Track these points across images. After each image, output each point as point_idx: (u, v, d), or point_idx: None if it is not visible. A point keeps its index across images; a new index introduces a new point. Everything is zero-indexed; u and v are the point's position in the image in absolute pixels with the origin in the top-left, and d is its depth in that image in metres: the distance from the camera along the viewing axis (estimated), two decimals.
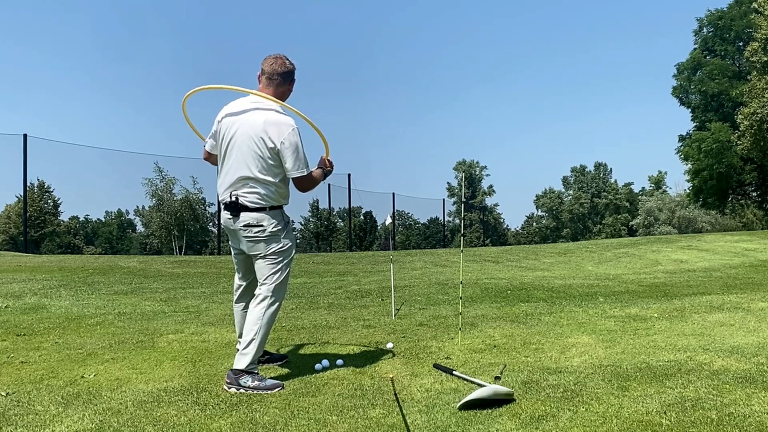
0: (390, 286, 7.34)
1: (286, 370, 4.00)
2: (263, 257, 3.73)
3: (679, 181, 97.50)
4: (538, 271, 11.94)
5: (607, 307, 6.32)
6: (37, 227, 44.50)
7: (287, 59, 3.87)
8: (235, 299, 4.07)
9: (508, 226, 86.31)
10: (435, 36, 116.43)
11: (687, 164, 37.12)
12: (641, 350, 4.25)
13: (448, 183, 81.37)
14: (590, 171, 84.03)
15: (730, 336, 4.68)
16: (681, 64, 38.87)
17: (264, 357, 4.14)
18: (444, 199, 43.30)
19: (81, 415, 3.13)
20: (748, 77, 29.69)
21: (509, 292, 7.95)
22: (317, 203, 37.53)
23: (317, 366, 3.98)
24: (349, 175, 27.52)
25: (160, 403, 3.31)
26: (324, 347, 4.70)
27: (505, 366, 3.89)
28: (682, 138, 39.95)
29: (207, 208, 43.39)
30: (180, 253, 38.50)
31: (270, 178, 3.68)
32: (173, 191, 40.34)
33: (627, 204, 77.70)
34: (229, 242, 3.97)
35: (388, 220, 12.90)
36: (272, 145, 3.63)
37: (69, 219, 59.43)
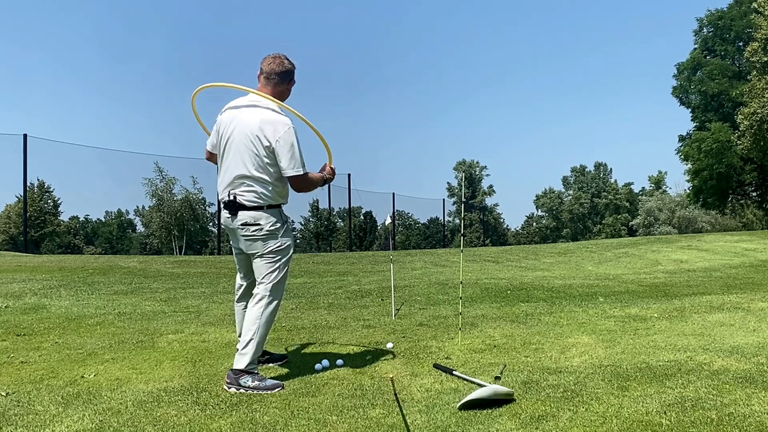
0: (390, 286, 7.34)
1: (286, 370, 4.00)
2: (261, 256, 3.73)
3: (679, 181, 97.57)
4: (538, 271, 11.94)
5: (607, 307, 6.32)
6: (37, 227, 44.50)
7: (286, 58, 3.86)
8: (236, 299, 4.07)
9: (508, 226, 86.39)
10: (436, 38, 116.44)
11: (687, 164, 37.12)
12: (641, 350, 4.25)
13: (448, 183, 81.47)
14: (590, 171, 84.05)
15: (730, 336, 4.68)
16: (681, 64, 38.88)
17: (264, 357, 4.14)
18: (444, 199, 43.32)
19: (81, 415, 3.13)
20: (748, 77, 29.69)
21: (509, 292, 7.95)
22: (317, 203, 37.56)
23: (317, 366, 3.98)
24: (349, 175, 27.53)
25: (160, 403, 3.31)
26: (324, 347, 4.70)
27: (505, 366, 3.89)
28: (682, 138, 39.97)
29: (207, 208, 43.42)
30: (180, 253, 38.50)
31: (266, 177, 3.68)
32: (173, 191, 40.37)
33: (627, 204, 77.71)
34: (230, 242, 3.97)
35: (388, 220, 12.89)
36: (267, 144, 3.63)
37: (69, 219, 59.48)
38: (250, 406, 3.24)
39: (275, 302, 3.74)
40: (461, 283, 5.70)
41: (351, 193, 27.84)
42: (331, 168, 4.01)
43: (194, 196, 41.32)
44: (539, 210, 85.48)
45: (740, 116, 28.17)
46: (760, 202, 39.83)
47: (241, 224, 3.70)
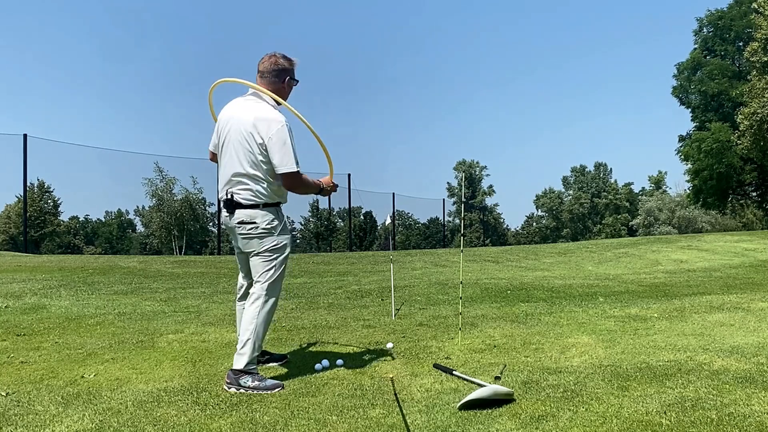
0: (390, 286, 7.34)
1: (286, 370, 4.00)
2: (257, 254, 3.73)
3: (679, 181, 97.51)
4: (538, 271, 11.94)
5: (607, 307, 6.32)
6: (37, 227, 44.51)
7: (282, 57, 3.84)
8: (237, 298, 4.08)
9: (508, 226, 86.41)
10: (436, 39, 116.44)
11: (687, 164, 37.12)
12: (641, 350, 4.25)
13: (448, 183, 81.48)
14: (590, 171, 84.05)
15: (730, 336, 4.68)
16: (681, 64, 38.88)
17: (264, 357, 4.14)
18: (444, 199, 43.32)
19: (81, 415, 3.13)
20: (748, 77, 29.67)
21: (509, 292, 7.95)
22: (317, 203, 37.57)
23: (317, 366, 3.97)
24: (349, 175, 27.52)
25: (160, 403, 3.31)
26: (324, 347, 4.70)
27: (505, 366, 3.89)
28: (682, 138, 39.98)
29: (207, 208, 43.43)
30: (180, 253, 38.50)
31: (261, 175, 3.67)
32: (173, 191, 40.37)
33: (627, 204, 77.72)
34: (231, 241, 3.98)
35: (388, 220, 12.90)
36: (261, 141, 3.62)
37: (69, 219, 59.52)
38: (250, 406, 3.24)
39: (272, 301, 3.72)
40: (461, 283, 5.70)
41: (351, 193, 27.86)
42: (332, 183, 3.99)
43: (194, 196, 41.33)
44: (539, 210, 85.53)
45: (740, 116, 28.15)
46: (760, 202, 39.82)
47: (238, 222, 3.71)
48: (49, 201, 47.88)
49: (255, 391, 3.48)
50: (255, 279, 3.75)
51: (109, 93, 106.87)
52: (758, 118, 26.81)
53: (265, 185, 3.69)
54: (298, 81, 3.94)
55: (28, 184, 23.53)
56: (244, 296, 3.99)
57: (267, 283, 3.71)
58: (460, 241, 5.55)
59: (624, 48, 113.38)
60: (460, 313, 5.28)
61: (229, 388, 3.54)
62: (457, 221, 60.17)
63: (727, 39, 37.22)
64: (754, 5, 28.01)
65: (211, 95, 4.04)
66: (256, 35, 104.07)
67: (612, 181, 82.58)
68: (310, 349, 4.67)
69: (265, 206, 3.70)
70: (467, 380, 3.55)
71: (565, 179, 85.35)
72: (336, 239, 44.57)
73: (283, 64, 3.84)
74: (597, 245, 18.01)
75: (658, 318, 5.57)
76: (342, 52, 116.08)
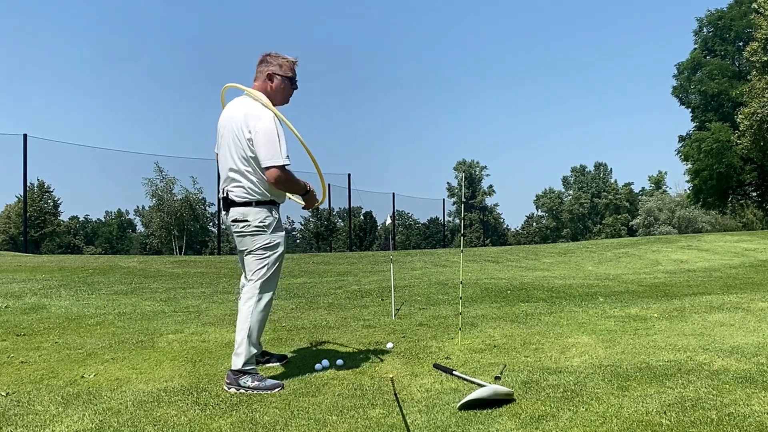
0: (390, 286, 7.34)
1: (286, 370, 4.00)
2: (250, 252, 3.72)
3: (679, 181, 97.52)
4: (538, 271, 11.94)
5: (607, 307, 6.32)
6: (37, 227, 44.50)
7: (269, 55, 3.81)
8: (238, 298, 4.07)
9: (508, 226, 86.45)
10: (437, 39, 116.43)
11: (687, 164, 37.12)
12: (641, 350, 4.25)
13: (448, 183, 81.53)
14: (590, 171, 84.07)
15: (730, 336, 4.68)
16: (681, 64, 38.89)
17: (264, 357, 4.14)
18: (444, 199, 43.35)
19: (81, 415, 3.13)
20: (748, 77, 29.68)
21: (509, 292, 7.95)
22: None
23: (317, 366, 3.97)
24: (349, 175, 27.56)
25: (160, 403, 3.31)
26: (324, 347, 4.70)
27: (505, 366, 3.89)
28: (682, 138, 39.98)
29: (207, 208, 43.45)
30: (180, 253, 38.51)
31: (251, 170, 3.66)
32: (173, 191, 40.39)
33: (627, 204, 77.74)
34: (231, 241, 3.97)
35: (388, 221, 12.90)
36: (249, 136, 3.62)
37: (69, 219, 59.51)
38: (250, 406, 3.24)
39: (265, 300, 3.70)
40: (461, 283, 5.70)
41: (351, 193, 27.87)
42: (317, 199, 3.93)
43: (194, 196, 41.36)
44: (539, 210, 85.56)
45: (740, 116, 28.16)
46: (760, 202, 39.82)
47: (232, 221, 3.72)
48: (49, 201, 47.87)
49: (255, 391, 3.48)
50: (248, 277, 3.73)
51: (109, 93, 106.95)
52: (758, 118, 26.82)
53: (255, 181, 3.67)
54: (292, 83, 3.83)
55: (28, 184, 23.56)
56: None
57: (260, 282, 3.69)
58: (460, 241, 5.55)
59: (624, 48, 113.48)
60: (460, 313, 5.28)
61: (229, 388, 3.54)
62: (457, 221, 60.18)
63: (727, 39, 37.22)
64: (754, 5, 28.02)
65: (223, 99, 4.03)
66: (257, 35, 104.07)
67: (612, 181, 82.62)
68: (310, 349, 4.67)
69: (258, 204, 3.68)
70: (467, 380, 3.55)
71: (565, 179, 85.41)
72: (336, 239, 44.55)
73: (268, 59, 3.80)
74: (597, 245, 18.01)
75: (658, 318, 5.57)
76: (342, 52, 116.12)
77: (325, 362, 4.02)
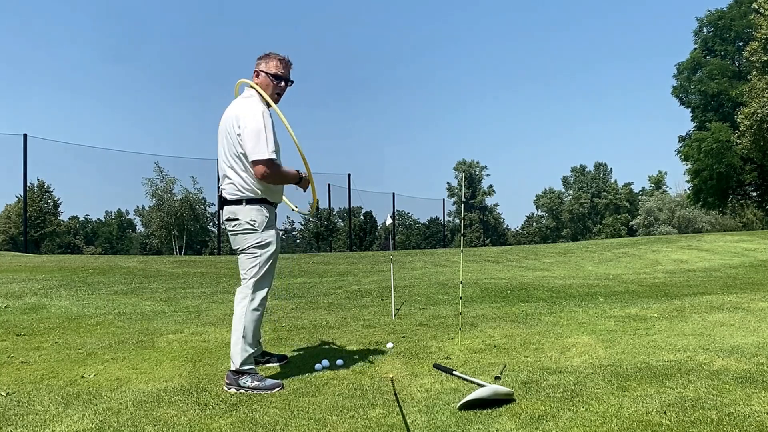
0: (390, 286, 7.34)
1: (286, 370, 4.00)
2: (242, 251, 3.72)
3: (679, 181, 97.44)
4: (538, 271, 11.94)
5: (607, 307, 6.32)
6: (37, 227, 44.47)
7: (263, 54, 3.83)
8: None
9: (508, 226, 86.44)
10: (437, 39, 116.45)
11: (687, 164, 37.10)
12: (641, 350, 4.25)
13: (448, 183, 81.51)
14: (590, 171, 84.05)
15: (730, 336, 4.68)
16: (681, 64, 38.86)
17: (264, 357, 4.14)
18: (444, 199, 43.37)
19: (81, 415, 3.13)
20: (748, 77, 29.66)
21: (509, 292, 7.95)
22: (317, 203, 37.49)
23: (317, 366, 3.97)
24: (349, 175, 27.56)
25: (160, 403, 3.31)
26: (324, 347, 4.70)
27: (505, 366, 3.89)
28: (681, 138, 39.96)
29: (207, 208, 43.43)
30: (180, 253, 38.51)
31: (241, 167, 3.67)
32: (173, 191, 40.37)
33: (627, 204, 77.72)
34: None
35: (388, 220, 12.88)
36: (238, 131, 3.64)
37: (69, 219, 59.46)
38: (250, 406, 3.24)
39: (258, 299, 3.68)
40: (461, 283, 5.70)
41: (351, 193, 27.87)
42: (308, 178, 3.85)
43: (194, 196, 41.35)
44: (539, 210, 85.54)
45: (740, 116, 28.14)
46: (760, 202, 39.80)
47: (226, 219, 3.74)
48: (49, 201, 47.83)
49: (255, 391, 3.48)
50: (241, 276, 3.73)
51: (109, 93, 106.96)
52: (758, 118, 26.80)
53: (245, 177, 3.67)
54: (278, 80, 3.80)
55: (28, 184, 23.56)
56: None
57: (252, 281, 3.68)
58: (460, 241, 5.55)
59: (624, 48, 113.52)
60: (460, 313, 5.28)
61: (229, 388, 3.54)
62: (457, 221, 60.20)
63: (727, 39, 37.20)
64: (754, 5, 27.99)
65: (237, 95, 4.03)
66: (257, 35, 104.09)
67: (612, 181, 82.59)
68: (310, 349, 4.67)
69: (248, 202, 3.68)
70: (467, 380, 3.55)
71: (565, 179, 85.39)
72: (336, 239, 44.53)
73: (260, 60, 3.83)
74: (597, 245, 18.01)
75: (658, 318, 5.57)
76: (343, 52, 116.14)
77: (325, 362, 4.02)
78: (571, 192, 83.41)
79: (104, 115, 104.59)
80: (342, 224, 47.20)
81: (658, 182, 75.87)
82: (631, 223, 69.49)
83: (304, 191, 3.96)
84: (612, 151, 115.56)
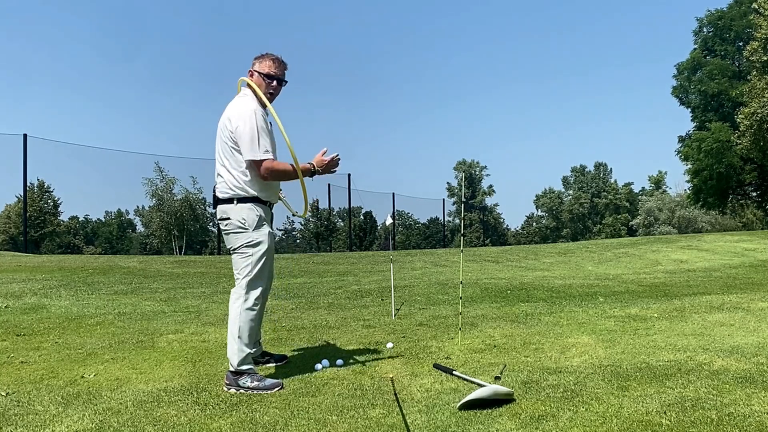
0: (390, 286, 7.34)
1: (286, 370, 4.00)
2: (234, 251, 3.72)
3: (679, 181, 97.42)
4: (538, 271, 11.94)
5: (607, 307, 6.32)
6: (37, 227, 44.47)
7: (259, 54, 3.85)
8: None
9: (508, 226, 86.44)
10: (437, 37, 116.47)
11: (687, 164, 37.10)
12: (641, 350, 4.25)
13: (448, 183, 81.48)
14: (590, 171, 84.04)
15: (730, 336, 4.68)
16: (681, 64, 38.85)
17: (264, 357, 4.14)
18: (444, 199, 43.34)
19: (81, 415, 3.13)
20: (748, 77, 29.66)
21: (509, 292, 7.95)
22: (317, 203, 37.47)
23: (317, 366, 3.97)
24: (349, 175, 27.55)
25: (160, 403, 3.31)
26: (324, 347, 4.70)
27: (505, 366, 3.89)
28: (681, 138, 39.96)
29: (207, 208, 43.34)
30: (180, 253, 38.49)
31: (234, 166, 3.68)
32: (173, 191, 40.31)
33: (627, 204, 77.71)
34: None
35: (389, 220, 12.87)
36: (231, 130, 3.65)
37: (69, 219, 59.46)
38: (250, 406, 3.24)
39: (252, 299, 3.67)
40: (461, 283, 5.70)
41: (351, 193, 27.88)
42: (322, 160, 3.79)
43: (194, 196, 41.28)
44: (539, 210, 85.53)
45: (740, 116, 28.12)
46: (760, 202, 39.80)
47: (219, 219, 3.75)
48: (49, 201, 47.82)
49: (254, 391, 3.48)
50: (235, 276, 3.73)
51: (109, 93, 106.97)
52: (758, 118, 26.78)
53: (235, 176, 3.67)
54: (271, 80, 3.79)
55: (28, 184, 23.56)
56: None
57: (245, 280, 3.67)
58: (460, 241, 5.55)
59: (624, 48, 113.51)
60: (460, 313, 5.28)
61: (229, 389, 3.54)
62: (457, 221, 60.22)
63: (727, 39, 37.19)
64: (754, 5, 27.99)
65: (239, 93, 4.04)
66: (257, 35, 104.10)
67: (612, 181, 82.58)
68: (310, 349, 4.67)
69: (240, 201, 3.68)
70: (467, 380, 3.55)
71: (565, 179, 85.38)
72: (336, 239, 44.54)
73: (255, 60, 3.85)
74: (597, 245, 18.01)
75: (658, 318, 5.57)
76: (342, 51, 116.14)
77: (325, 362, 4.02)
78: (571, 192, 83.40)
79: (104, 115, 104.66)
80: (342, 224, 47.21)
81: (658, 182, 75.87)
82: (631, 223, 69.49)
83: (331, 172, 3.89)
84: (612, 151, 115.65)
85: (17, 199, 39.53)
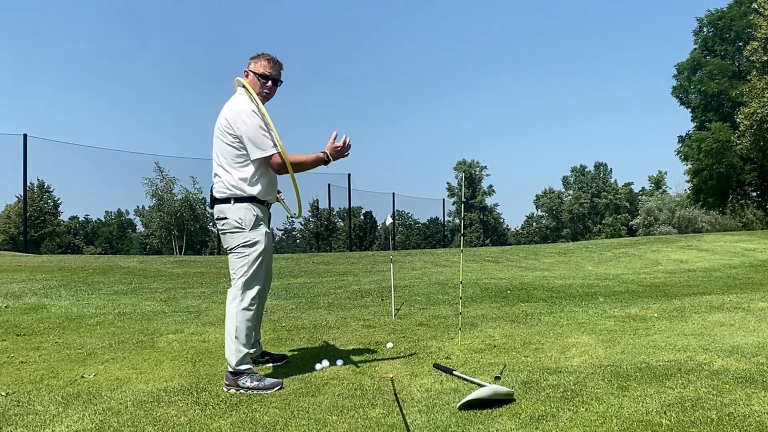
0: (390, 286, 7.34)
1: (286, 370, 4.00)
2: (231, 251, 3.71)
3: (679, 181, 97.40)
4: (538, 271, 11.94)
5: (607, 307, 6.32)
6: (37, 227, 44.47)
7: (256, 54, 3.86)
8: None
9: (508, 226, 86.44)
10: (437, 35, 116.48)
11: (687, 164, 37.11)
12: (641, 350, 4.25)
13: (448, 183, 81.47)
14: (590, 171, 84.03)
15: (730, 336, 4.68)
16: (681, 64, 38.86)
17: (264, 357, 4.14)
18: (444, 199, 43.37)
19: (81, 415, 3.13)
20: (748, 77, 29.66)
21: (509, 292, 7.95)
22: (317, 203, 37.51)
23: (317, 366, 3.97)
24: (349, 175, 27.55)
25: (160, 403, 3.31)
26: (324, 347, 4.70)
27: (505, 366, 3.89)
28: (681, 138, 39.97)
29: (207, 208, 43.32)
30: (180, 253, 38.49)
31: (231, 166, 3.67)
32: (173, 191, 40.30)
33: (627, 204, 77.71)
34: None
35: (389, 220, 12.88)
36: (230, 131, 3.65)
37: (69, 219, 59.45)
38: (250, 406, 3.24)
39: (248, 299, 3.66)
40: (461, 283, 5.70)
41: (351, 193, 27.87)
42: (335, 146, 3.76)
43: (194, 196, 41.26)
44: (539, 210, 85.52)
45: (740, 116, 28.13)
46: (760, 202, 39.81)
47: (216, 218, 3.75)
48: (49, 201, 47.81)
49: (254, 391, 3.48)
50: (231, 276, 3.73)
51: (110, 93, 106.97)
52: (758, 118, 26.79)
53: (233, 175, 3.67)
54: (266, 80, 3.79)
55: (28, 184, 23.56)
56: None
57: (242, 280, 3.66)
58: (460, 241, 5.55)
59: (624, 48, 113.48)
60: (460, 313, 5.28)
61: (228, 389, 3.54)
62: (457, 221, 60.20)
63: (727, 39, 37.20)
64: (754, 5, 27.99)
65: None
66: (257, 35, 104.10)
67: (612, 181, 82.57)
68: (310, 349, 4.67)
69: (236, 200, 3.67)
70: (467, 380, 3.55)
71: (565, 179, 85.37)
72: (336, 239, 44.54)
73: (251, 60, 3.85)
74: (597, 245, 18.01)
75: (658, 318, 5.57)
76: (342, 51, 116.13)
77: (325, 362, 4.02)
78: (571, 192, 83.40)
79: (105, 115, 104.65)
80: (342, 224, 47.21)
81: (658, 182, 75.87)
82: (631, 223, 69.49)
83: (344, 156, 3.87)
84: (612, 151, 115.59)
85: (17, 199, 39.56)
